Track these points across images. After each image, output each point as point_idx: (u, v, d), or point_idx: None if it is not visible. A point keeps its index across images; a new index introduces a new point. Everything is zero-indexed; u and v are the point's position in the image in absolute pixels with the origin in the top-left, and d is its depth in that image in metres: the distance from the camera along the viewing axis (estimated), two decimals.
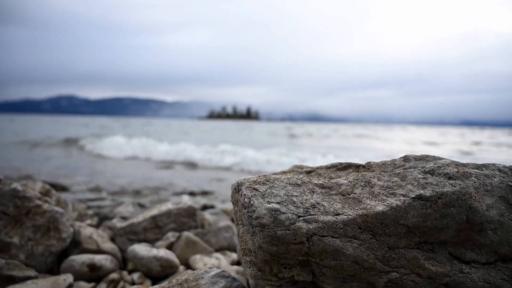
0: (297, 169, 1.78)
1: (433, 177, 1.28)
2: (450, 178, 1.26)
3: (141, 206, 3.79)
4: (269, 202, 1.22)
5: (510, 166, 1.40)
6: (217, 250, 2.67)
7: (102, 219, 3.25)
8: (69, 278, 1.92)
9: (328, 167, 1.71)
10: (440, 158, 1.48)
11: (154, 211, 2.73)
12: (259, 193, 1.27)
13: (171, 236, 2.61)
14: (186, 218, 2.80)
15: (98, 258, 2.19)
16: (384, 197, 1.24)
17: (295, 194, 1.28)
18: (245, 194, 1.28)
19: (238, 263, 2.53)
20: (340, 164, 1.70)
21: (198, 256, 2.43)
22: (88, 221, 3.05)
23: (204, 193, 6.17)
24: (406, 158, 1.59)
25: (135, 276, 2.20)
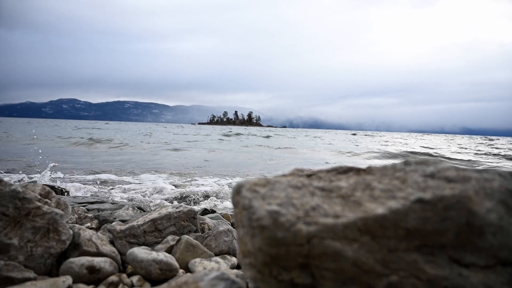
0: (297, 172, 1.78)
1: (433, 180, 1.28)
2: (450, 181, 1.26)
3: (141, 209, 3.79)
4: (269, 204, 1.23)
5: (510, 171, 1.40)
6: (217, 254, 2.66)
7: (102, 222, 3.25)
8: (68, 280, 1.92)
9: (328, 171, 1.71)
10: (440, 162, 1.48)
11: (154, 214, 2.73)
12: (260, 195, 1.27)
13: (170, 239, 2.60)
14: (186, 222, 2.80)
15: (98, 261, 2.18)
16: (384, 200, 1.24)
17: (295, 196, 1.29)
18: (245, 196, 1.29)
19: (238, 267, 2.53)
20: (341, 167, 1.70)
21: (197, 260, 2.43)
22: (88, 224, 3.05)
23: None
24: (406, 162, 1.59)
25: (134, 279, 2.19)
